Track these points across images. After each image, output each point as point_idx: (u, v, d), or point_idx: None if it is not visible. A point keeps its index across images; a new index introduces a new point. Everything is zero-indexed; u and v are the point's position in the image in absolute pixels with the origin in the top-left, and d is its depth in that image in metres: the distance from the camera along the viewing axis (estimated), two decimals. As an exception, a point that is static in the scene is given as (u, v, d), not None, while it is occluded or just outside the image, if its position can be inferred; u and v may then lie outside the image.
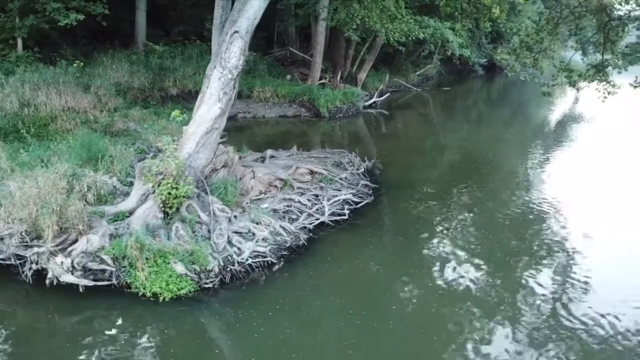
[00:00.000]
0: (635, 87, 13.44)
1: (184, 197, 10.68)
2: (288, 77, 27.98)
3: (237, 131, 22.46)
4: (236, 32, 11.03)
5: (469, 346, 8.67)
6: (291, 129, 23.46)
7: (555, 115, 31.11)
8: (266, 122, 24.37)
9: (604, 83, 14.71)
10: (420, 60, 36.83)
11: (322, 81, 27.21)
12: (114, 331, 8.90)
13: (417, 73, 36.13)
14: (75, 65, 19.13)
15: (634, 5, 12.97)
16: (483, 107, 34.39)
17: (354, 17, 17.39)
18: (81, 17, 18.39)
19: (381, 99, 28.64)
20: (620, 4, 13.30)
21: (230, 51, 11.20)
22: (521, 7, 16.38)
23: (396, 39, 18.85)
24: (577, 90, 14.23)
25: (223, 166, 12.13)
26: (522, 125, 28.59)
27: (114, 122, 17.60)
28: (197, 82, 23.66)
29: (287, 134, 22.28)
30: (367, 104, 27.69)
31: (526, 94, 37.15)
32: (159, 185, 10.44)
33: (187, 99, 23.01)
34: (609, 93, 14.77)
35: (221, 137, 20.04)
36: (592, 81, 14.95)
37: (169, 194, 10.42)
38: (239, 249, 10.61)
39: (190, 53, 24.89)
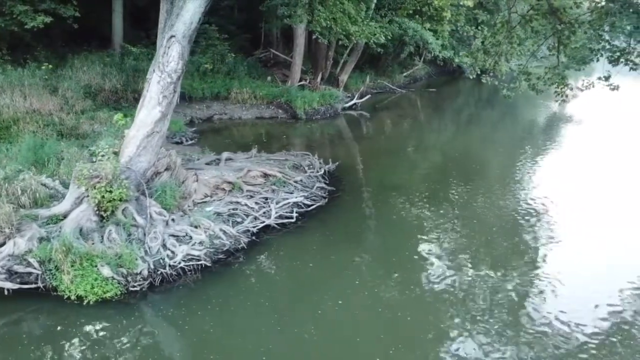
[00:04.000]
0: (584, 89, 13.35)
1: (119, 200, 10.73)
2: (269, 78, 28.04)
3: (211, 132, 22.60)
4: (173, 36, 11.09)
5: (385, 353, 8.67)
6: (265, 130, 23.49)
7: (542, 116, 30.90)
8: (242, 124, 24.43)
9: (562, 86, 14.66)
10: (408, 61, 36.76)
11: (302, 83, 27.25)
12: (39, 333, 9.00)
13: (404, 74, 36.06)
14: (43, 67, 19.24)
15: (584, 9, 12.90)
16: (467, 108, 34.19)
17: (318, 19, 17.40)
18: (48, 19, 18.48)
19: (361, 100, 28.60)
20: (571, 8, 13.22)
21: (168, 55, 11.25)
22: (482, 18, 16.35)
23: (361, 40, 18.83)
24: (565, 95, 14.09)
25: (166, 169, 12.18)
26: (503, 127, 28.48)
27: (80, 124, 17.71)
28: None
29: (260, 136, 22.34)
30: (346, 105, 27.68)
31: (518, 96, 36.90)
32: (93, 189, 10.50)
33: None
34: (566, 95, 14.74)
35: (191, 140, 20.58)
36: (552, 84, 14.88)
37: (103, 197, 10.49)
38: (172, 252, 10.66)
39: (187, 54, 24.95)
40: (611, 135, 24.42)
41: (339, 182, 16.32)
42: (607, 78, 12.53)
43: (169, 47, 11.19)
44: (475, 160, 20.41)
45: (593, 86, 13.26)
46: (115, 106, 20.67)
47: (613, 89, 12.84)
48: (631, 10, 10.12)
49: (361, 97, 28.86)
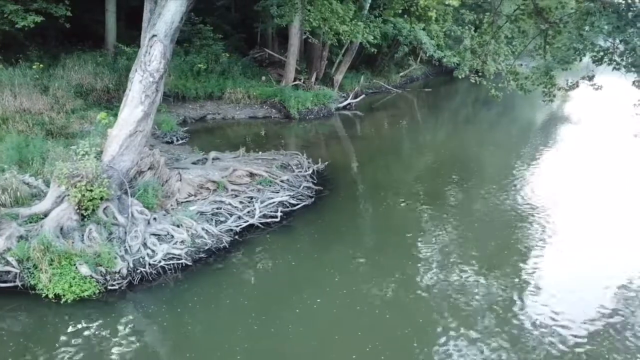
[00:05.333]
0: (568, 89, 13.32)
1: (100, 199, 10.76)
2: (263, 78, 28.04)
3: (204, 132, 22.62)
4: (154, 35, 11.12)
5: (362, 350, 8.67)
6: (258, 130, 23.53)
7: (539, 115, 30.83)
8: (235, 124, 24.44)
9: (550, 86, 14.64)
10: (404, 62, 36.74)
11: (296, 82, 27.25)
12: (16, 331, 9.03)
13: (400, 74, 36.04)
14: (34, 67, 19.29)
15: (569, 10, 12.88)
16: (463, 108, 34.21)
17: (308, 19, 17.42)
18: (39, 19, 18.52)
19: (356, 100, 28.59)
20: (557, 8, 13.21)
21: (150, 54, 11.28)
22: (469, 18, 16.29)
23: (349, 40, 18.87)
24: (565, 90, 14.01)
25: (149, 168, 12.20)
26: (499, 127, 28.51)
27: (70, 123, 17.74)
28: (165, 83, 23.55)
29: (252, 136, 22.38)
30: (340, 105, 27.68)
31: (514, 97, 36.84)
32: (73, 188, 10.52)
33: (155, 100, 23.18)
34: (554, 96, 14.73)
35: (182, 139, 20.60)
36: (540, 84, 14.87)
37: (83, 196, 10.51)
38: (152, 251, 10.68)
39: (170, 53, 24.96)
40: (608, 134, 24.33)
41: (328, 182, 16.33)
42: (590, 78, 12.50)
43: (150, 47, 11.22)
44: (469, 160, 20.35)
45: (577, 86, 13.23)
46: (107, 105, 20.69)
47: (597, 89, 12.82)
48: (611, 10, 10.10)
49: (355, 97, 28.84)
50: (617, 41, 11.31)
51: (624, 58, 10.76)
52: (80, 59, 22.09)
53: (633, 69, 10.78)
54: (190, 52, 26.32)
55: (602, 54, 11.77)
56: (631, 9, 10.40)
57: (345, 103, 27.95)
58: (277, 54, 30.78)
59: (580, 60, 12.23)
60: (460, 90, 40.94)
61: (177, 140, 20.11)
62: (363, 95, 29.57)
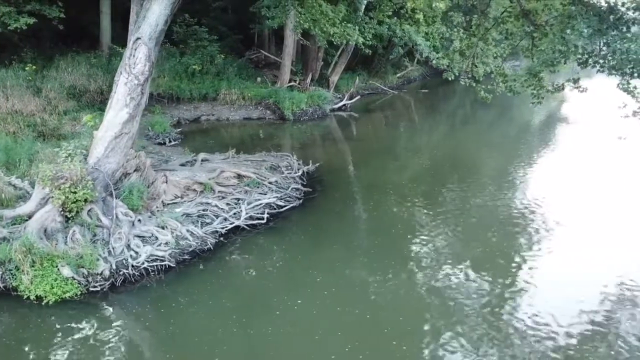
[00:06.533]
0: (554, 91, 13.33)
1: (84, 201, 10.81)
2: (258, 79, 28.11)
3: (197, 133, 22.70)
4: (138, 38, 11.18)
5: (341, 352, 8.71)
6: (252, 131, 23.60)
7: (537, 116, 30.77)
8: (230, 125, 24.52)
9: (538, 88, 14.63)
10: (402, 63, 36.76)
11: (291, 84, 27.29)
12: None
13: (398, 75, 36.06)
14: (27, 68, 19.38)
15: (555, 13, 12.90)
16: (460, 109, 34.19)
17: (299, 21, 17.48)
18: (31, 20, 18.62)
19: (351, 101, 28.62)
20: (542, 11, 13.22)
21: (135, 57, 11.34)
22: (458, 20, 16.29)
23: (336, 42, 18.94)
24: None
25: (135, 170, 12.26)
26: (497, 128, 28.48)
27: (62, 125, 17.83)
28: (160, 84, 23.97)
29: (245, 137, 22.46)
30: (336, 106, 27.71)
31: (512, 97, 36.76)
32: (57, 189, 10.58)
33: (149, 101, 23.15)
34: (542, 98, 14.72)
35: (174, 140, 20.66)
36: (529, 86, 14.87)
37: (67, 197, 10.56)
38: (136, 252, 10.73)
39: (156, 56, 25.01)
40: (605, 135, 24.25)
41: (318, 183, 16.36)
42: (575, 80, 12.52)
43: (135, 49, 11.28)
44: (464, 161, 20.23)
45: (563, 88, 13.25)
46: (101, 107, 20.65)
47: (582, 91, 12.83)
48: (592, 13, 10.11)
49: (351, 98, 28.87)
50: (600, 44, 11.32)
51: (606, 61, 10.78)
52: (74, 61, 22.17)
53: (614, 72, 10.80)
54: (185, 54, 26.38)
55: (586, 56, 11.79)
56: (613, 11, 10.41)
57: (340, 104, 27.99)
58: (273, 55, 30.83)
59: (565, 62, 12.24)
60: (457, 91, 40.85)
61: (170, 141, 20.18)
62: (359, 97, 29.61)
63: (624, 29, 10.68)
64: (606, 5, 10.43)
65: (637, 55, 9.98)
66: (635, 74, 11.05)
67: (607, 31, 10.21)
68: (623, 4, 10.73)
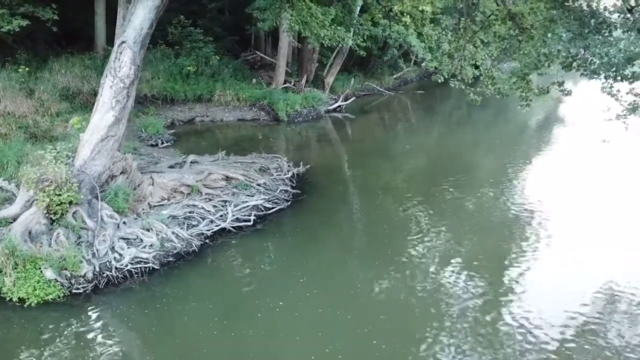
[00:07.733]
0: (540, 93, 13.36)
1: (68, 203, 10.89)
2: (253, 80, 28.17)
3: (191, 135, 22.76)
4: (123, 42, 11.26)
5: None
6: (245, 133, 23.65)
7: (534, 117, 30.73)
8: (224, 126, 24.59)
9: (527, 91, 14.65)
10: (398, 64, 36.78)
11: (286, 85, 27.36)
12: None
13: (394, 77, 36.09)
14: (20, 70, 19.48)
15: (540, 17, 12.91)
16: (457, 110, 34.16)
17: (290, 23, 17.56)
18: (24, 22, 18.71)
19: (346, 103, 28.66)
20: (529, 14, 13.25)
21: (120, 60, 11.42)
22: (446, 22, 16.33)
23: (327, 44, 19.02)
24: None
25: (122, 173, 12.33)
26: (494, 129, 28.50)
27: (54, 126, 17.90)
28: (154, 86, 24.05)
29: (238, 138, 22.49)
30: (330, 108, 27.74)
31: (511, 98, 36.77)
32: (42, 192, 10.66)
33: (143, 102, 23.36)
34: (530, 100, 14.75)
35: (167, 142, 20.72)
36: (517, 89, 14.89)
37: (51, 200, 10.64)
38: (120, 254, 10.80)
39: (150, 57, 25.13)
40: (603, 136, 24.24)
41: (307, 185, 16.42)
42: (560, 83, 12.55)
43: (120, 53, 11.36)
44: (459, 162, 20.15)
45: (548, 91, 13.29)
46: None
47: (566, 94, 12.87)
48: (573, 17, 10.14)
49: (346, 99, 28.91)
50: (581, 48, 11.36)
51: (587, 65, 10.82)
52: (68, 62, 22.25)
53: (595, 76, 10.84)
54: (180, 55, 26.46)
55: (570, 59, 11.82)
56: (595, 15, 10.44)
57: (335, 105, 28.02)
58: (269, 56, 30.91)
59: (549, 66, 12.27)
60: (453, 92, 40.61)
61: (162, 143, 20.25)
62: (354, 98, 29.66)
63: (606, 33, 10.72)
64: (588, 9, 10.45)
65: (616, 60, 10.01)
66: (619, 78, 11.10)
67: (588, 35, 10.23)
68: (605, 8, 10.76)
